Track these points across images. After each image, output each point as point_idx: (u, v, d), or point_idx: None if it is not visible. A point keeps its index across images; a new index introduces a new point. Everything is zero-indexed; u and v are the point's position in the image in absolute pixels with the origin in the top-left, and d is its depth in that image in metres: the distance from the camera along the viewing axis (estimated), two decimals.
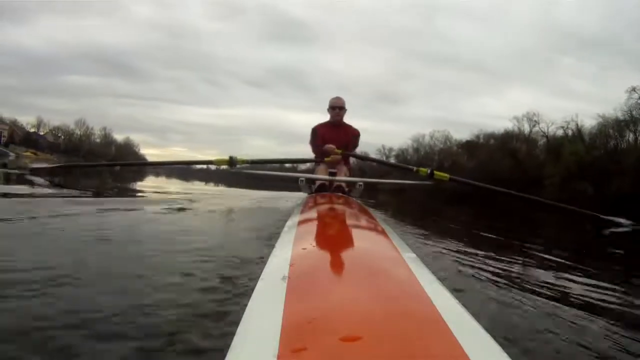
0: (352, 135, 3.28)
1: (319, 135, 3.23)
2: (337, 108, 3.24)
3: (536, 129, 29.80)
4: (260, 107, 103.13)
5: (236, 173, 2.83)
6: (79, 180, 6.82)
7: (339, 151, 3.04)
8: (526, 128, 30.39)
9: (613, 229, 2.10)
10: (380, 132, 71.65)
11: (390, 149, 44.97)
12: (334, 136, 3.18)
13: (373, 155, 42.20)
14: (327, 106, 3.31)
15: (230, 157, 2.73)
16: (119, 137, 54.56)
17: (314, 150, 3.30)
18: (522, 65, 70.87)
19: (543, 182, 22.93)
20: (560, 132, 27.58)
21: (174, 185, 9.59)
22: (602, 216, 2.23)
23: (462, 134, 39.42)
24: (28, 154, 29.84)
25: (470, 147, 34.47)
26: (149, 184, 8.69)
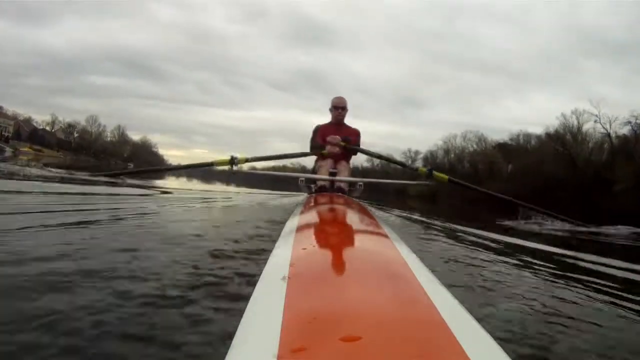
0: (353, 135, 3.29)
1: (320, 135, 3.26)
2: (339, 108, 3.27)
3: (588, 126, 25.51)
4: (283, 110, 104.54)
5: (247, 174, 2.85)
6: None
7: (343, 143, 3.04)
8: (575, 126, 26.03)
9: None
10: (404, 136, 72.80)
11: (417, 152, 43.97)
12: (336, 134, 3.21)
13: (398, 158, 41.64)
14: (330, 105, 3.34)
15: (232, 157, 2.73)
16: (135, 136, 54.27)
17: (313, 147, 3.34)
18: (546, 68, 70.92)
19: (612, 188, 19.31)
20: (623, 130, 23.26)
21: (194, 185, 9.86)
22: None
23: (489, 138, 37.98)
24: (26, 149, 29.20)
25: (507, 149, 31.83)
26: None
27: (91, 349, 0.86)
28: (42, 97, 68.60)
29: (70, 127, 48.16)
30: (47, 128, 47.06)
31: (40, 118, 49.04)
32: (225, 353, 0.46)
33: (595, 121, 24.87)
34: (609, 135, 24.58)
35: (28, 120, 45.79)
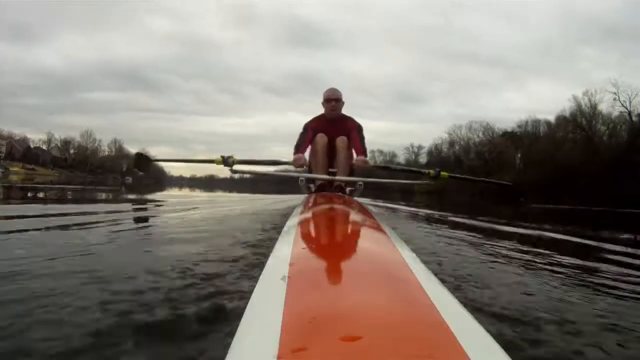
0: (352, 129, 2.85)
1: (310, 133, 2.80)
2: (332, 100, 2.84)
3: (601, 106, 23.63)
4: (281, 114, 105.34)
5: (247, 173, 2.86)
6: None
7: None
8: (588, 106, 24.03)
9: None
10: (405, 132, 73.95)
11: (420, 147, 43.87)
12: (330, 132, 2.85)
13: (401, 154, 40.77)
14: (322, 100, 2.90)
15: (222, 157, 2.70)
16: (134, 149, 54.21)
17: (297, 146, 2.81)
18: (544, 58, 71.10)
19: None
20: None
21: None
22: None
23: (496, 127, 36.60)
24: (16, 169, 28.42)
25: (515, 137, 30.47)
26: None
27: (90, 346, 0.86)
28: (40, 116, 69.28)
29: (66, 143, 47.79)
30: (44, 147, 46.62)
31: (37, 137, 49.13)
32: (225, 353, 0.46)
33: (615, 99, 23.26)
34: (629, 113, 22.73)
35: (23, 140, 45.46)
